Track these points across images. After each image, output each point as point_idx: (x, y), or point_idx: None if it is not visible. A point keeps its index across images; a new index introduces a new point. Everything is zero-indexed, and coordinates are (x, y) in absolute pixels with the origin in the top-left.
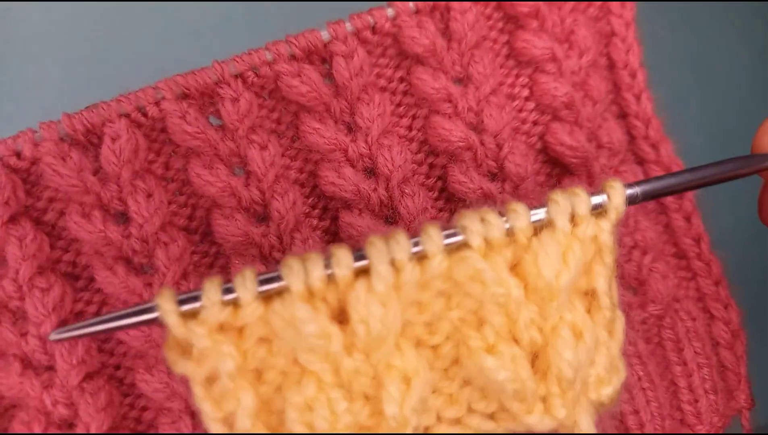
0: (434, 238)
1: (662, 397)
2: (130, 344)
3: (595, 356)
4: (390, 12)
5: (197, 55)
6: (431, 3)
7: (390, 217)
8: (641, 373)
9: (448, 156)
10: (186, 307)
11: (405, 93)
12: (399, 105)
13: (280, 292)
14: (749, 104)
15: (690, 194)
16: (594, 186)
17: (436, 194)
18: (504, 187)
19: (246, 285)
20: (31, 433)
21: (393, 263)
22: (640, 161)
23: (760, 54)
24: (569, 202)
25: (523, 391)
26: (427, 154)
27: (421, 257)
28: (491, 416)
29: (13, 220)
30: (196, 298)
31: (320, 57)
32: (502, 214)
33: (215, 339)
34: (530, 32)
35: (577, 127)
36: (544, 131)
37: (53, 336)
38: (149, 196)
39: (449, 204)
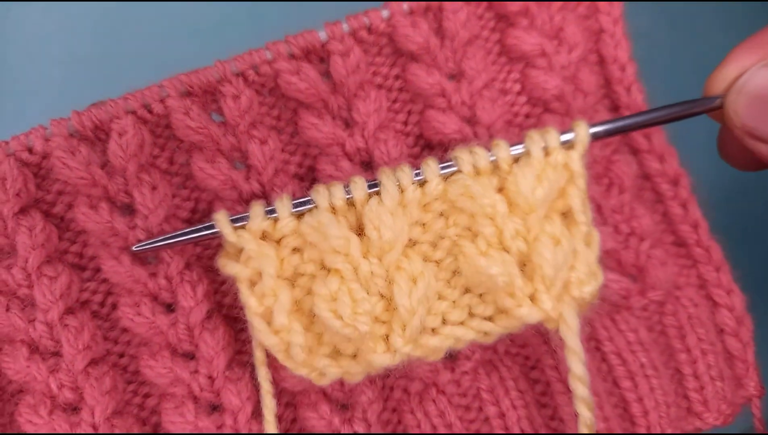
0: (432, 167)
1: (667, 385)
2: (135, 332)
3: (574, 262)
4: (385, 13)
5: (197, 54)
6: (424, 4)
7: None
8: (644, 360)
9: (443, 148)
10: (237, 224)
11: (400, 89)
12: (395, 101)
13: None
14: None
15: (685, 182)
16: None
17: None
18: None
19: (283, 203)
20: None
21: (399, 186)
22: (634, 151)
23: None
24: (542, 137)
25: (512, 285)
26: (423, 148)
27: (422, 183)
28: (489, 319)
29: (23, 211)
30: (244, 219)
31: (318, 56)
32: (488, 149)
33: (259, 243)
34: (521, 29)
35: (568, 119)
36: (537, 124)
37: (135, 248)
38: (154, 188)
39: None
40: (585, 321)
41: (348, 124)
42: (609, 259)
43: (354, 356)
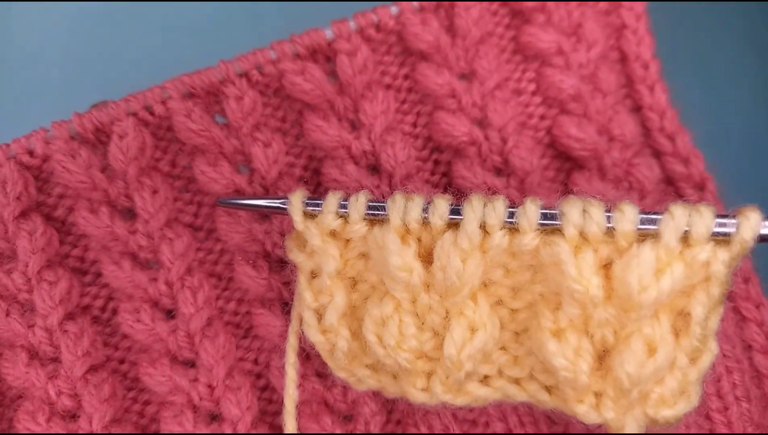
0: (529, 216)
1: None
2: (135, 338)
3: (666, 376)
4: (394, 10)
5: (198, 54)
6: (435, 1)
7: None
8: None
9: (453, 151)
10: (310, 209)
11: (409, 90)
12: (403, 102)
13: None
14: (751, 104)
15: (711, 186)
16: (605, 180)
17: (440, 191)
18: (509, 182)
19: (357, 206)
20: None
21: (484, 226)
22: (657, 154)
23: (762, 54)
24: (687, 218)
25: (575, 383)
26: (432, 151)
27: (513, 228)
28: (548, 389)
29: (24, 214)
30: (318, 204)
31: (324, 55)
32: (607, 209)
33: (325, 240)
34: (536, 26)
35: (585, 120)
36: (552, 125)
37: (220, 202)
38: (155, 192)
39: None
40: None
41: (354, 126)
42: None
43: (394, 377)
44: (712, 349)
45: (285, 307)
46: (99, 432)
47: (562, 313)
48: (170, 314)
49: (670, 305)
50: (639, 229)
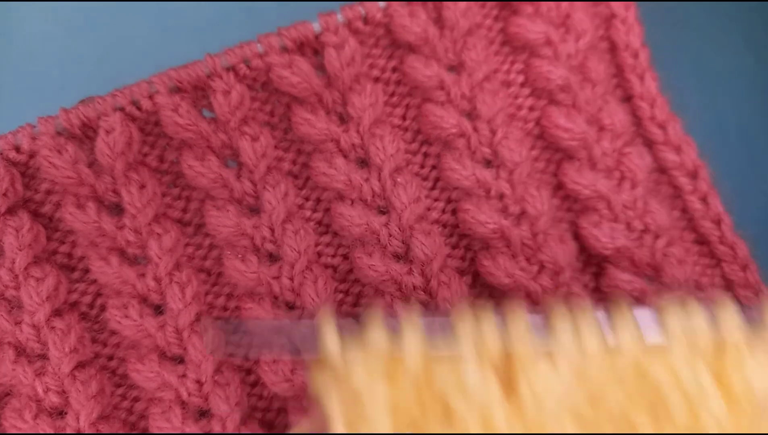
0: (630, 331)
1: None
2: (123, 334)
3: None
4: (381, 3)
5: (198, 54)
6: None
7: (383, 207)
8: None
9: (442, 144)
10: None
11: (398, 82)
12: (392, 95)
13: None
14: (751, 105)
15: (705, 174)
16: (595, 169)
17: (430, 184)
18: (499, 174)
19: (412, 331)
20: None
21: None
22: (648, 143)
23: (761, 54)
24: None
25: None
26: (421, 144)
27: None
28: None
29: (10, 211)
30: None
31: (312, 48)
32: (703, 305)
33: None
34: (525, 17)
35: (574, 111)
36: (541, 116)
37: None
38: (142, 187)
39: (444, 193)
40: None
41: (343, 119)
42: (621, 259)
43: None
44: None
45: (275, 301)
46: (86, 429)
47: (666, 421)
48: (159, 310)
49: None
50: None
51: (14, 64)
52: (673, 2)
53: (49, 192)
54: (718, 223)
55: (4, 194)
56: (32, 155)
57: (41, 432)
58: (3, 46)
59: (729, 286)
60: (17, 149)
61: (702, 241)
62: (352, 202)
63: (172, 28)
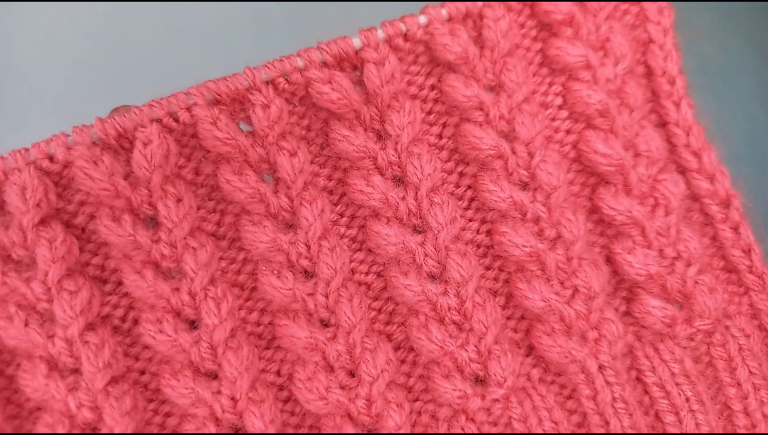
0: None
1: (714, 422)
2: (157, 349)
3: None
4: (422, 19)
5: (197, 53)
6: (464, 10)
7: (418, 226)
8: (689, 394)
9: (479, 164)
10: None
11: (436, 101)
12: (430, 113)
13: None
14: (756, 105)
15: (737, 204)
16: (631, 195)
17: (465, 204)
18: (535, 197)
19: None
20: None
21: None
22: (682, 170)
23: (763, 54)
24: None
25: None
26: (457, 163)
27: None
28: None
29: (43, 222)
30: None
31: (351, 64)
32: None
33: None
34: (564, 40)
35: (612, 135)
36: (578, 139)
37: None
38: (179, 200)
39: (479, 213)
40: (626, 349)
41: (380, 136)
42: (653, 285)
43: None
44: None
45: (309, 317)
46: None
47: None
48: (193, 325)
49: None
50: None
51: (14, 64)
52: (676, 2)
53: (82, 203)
54: (748, 252)
55: (38, 205)
56: (66, 165)
57: None
58: (3, 46)
59: (756, 314)
60: (51, 159)
61: (731, 269)
62: (388, 221)
63: (172, 28)
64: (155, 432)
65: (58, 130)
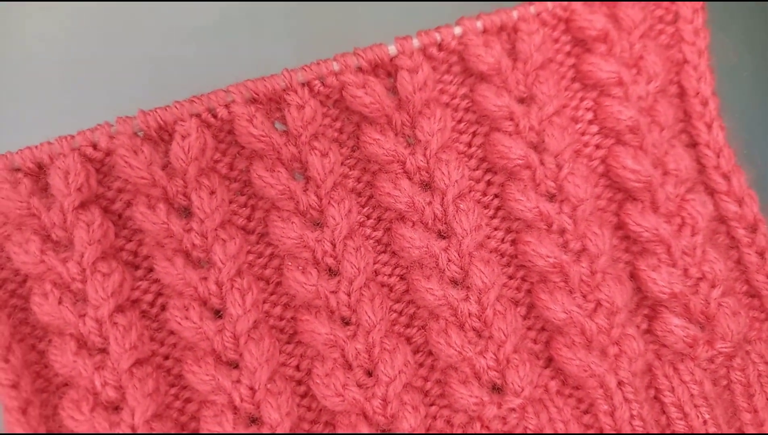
0: None
1: None
2: (182, 335)
3: None
4: (457, 30)
5: (197, 54)
6: (499, 23)
7: (443, 231)
8: (707, 417)
9: (507, 174)
10: None
11: (467, 109)
12: (460, 121)
13: None
14: (752, 105)
15: (764, 229)
16: (657, 213)
17: (491, 212)
18: (562, 208)
19: None
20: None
21: None
22: (711, 191)
23: (762, 54)
24: None
25: None
26: (485, 171)
27: None
28: None
29: (83, 206)
30: None
31: (386, 70)
32: None
33: None
34: (597, 56)
35: (641, 152)
36: (607, 155)
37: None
38: (212, 193)
39: (505, 222)
40: (645, 366)
41: (410, 141)
42: (676, 304)
43: None
44: None
45: (331, 315)
46: (141, 426)
47: None
48: (218, 314)
49: None
50: None
51: (14, 64)
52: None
53: (120, 190)
54: None
55: (79, 189)
56: (108, 153)
57: (96, 425)
58: (3, 46)
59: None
60: (94, 146)
61: (753, 294)
62: (413, 224)
63: (172, 28)
64: (176, 417)
65: (58, 131)
